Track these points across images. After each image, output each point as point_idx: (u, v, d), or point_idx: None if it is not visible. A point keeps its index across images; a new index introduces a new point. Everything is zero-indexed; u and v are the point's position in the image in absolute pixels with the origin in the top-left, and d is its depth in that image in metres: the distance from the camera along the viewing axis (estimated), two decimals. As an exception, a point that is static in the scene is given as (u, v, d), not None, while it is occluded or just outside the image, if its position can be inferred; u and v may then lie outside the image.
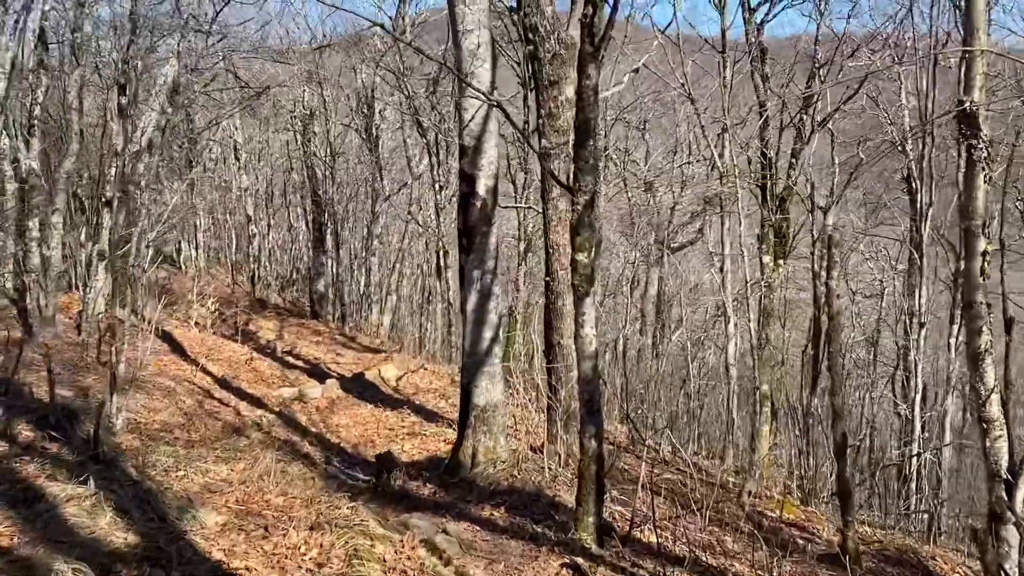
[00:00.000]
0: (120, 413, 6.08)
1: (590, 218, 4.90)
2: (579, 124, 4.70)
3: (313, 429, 9.24)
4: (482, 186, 5.98)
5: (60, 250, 8.25)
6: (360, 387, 11.46)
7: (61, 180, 8.10)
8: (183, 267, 24.85)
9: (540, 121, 7.69)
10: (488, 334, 6.27)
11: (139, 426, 6.54)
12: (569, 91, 7.61)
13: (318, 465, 7.40)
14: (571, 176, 5.02)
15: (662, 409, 15.61)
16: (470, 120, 5.82)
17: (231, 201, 26.30)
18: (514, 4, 8.70)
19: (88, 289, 9.34)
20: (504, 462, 6.25)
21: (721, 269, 13.31)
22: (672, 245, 24.22)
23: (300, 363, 13.08)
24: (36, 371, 7.62)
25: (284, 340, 15.86)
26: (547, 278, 8.02)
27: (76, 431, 5.30)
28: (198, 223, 25.04)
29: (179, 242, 25.82)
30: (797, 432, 12.70)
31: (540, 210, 8.72)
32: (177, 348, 11.56)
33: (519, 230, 17.43)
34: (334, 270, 20.13)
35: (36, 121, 8.32)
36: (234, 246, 26.06)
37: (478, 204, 5.98)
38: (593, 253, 4.85)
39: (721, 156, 14.49)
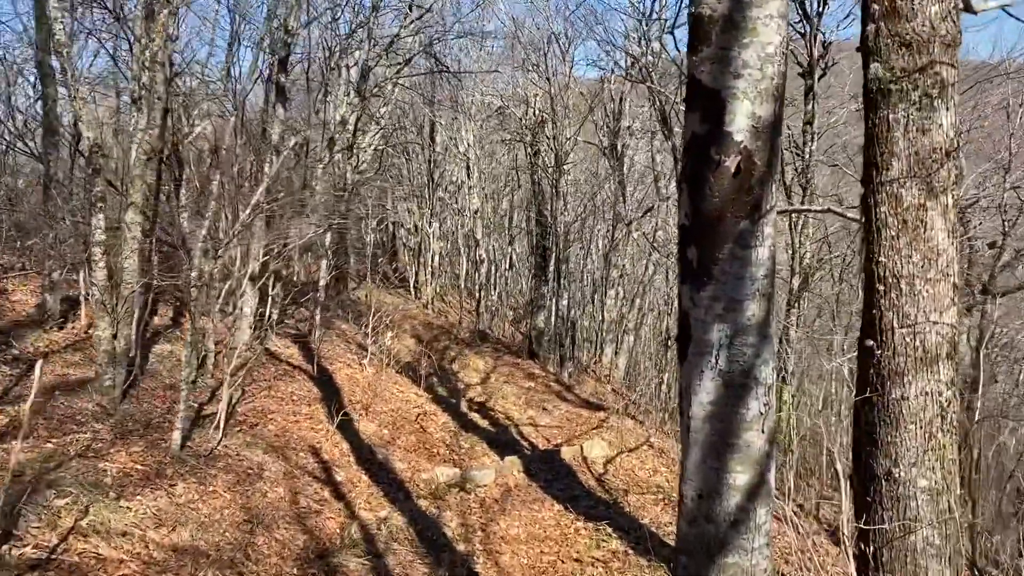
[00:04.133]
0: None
1: None
2: None
3: (459, 547, 6.04)
4: (739, 117, 2.37)
5: (136, 261, 6.01)
6: (552, 471, 8.12)
7: (138, 164, 5.90)
8: (416, 293, 23.62)
9: (871, 29, 3.85)
10: (741, 476, 2.62)
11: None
12: (936, -39, 3.71)
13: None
14: None
15: None
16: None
17: (465, 225, 24.87)
18: None
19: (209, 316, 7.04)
20: None
21: None
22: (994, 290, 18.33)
23: (486, 423, 10.06)
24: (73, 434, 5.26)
25: (487, 385, 13.08)
26: (867, 341, 4.08)
27: None
28: (433, 248, 23.69)
29: (416, 267, 24.74)
30: None
31: (852, 214, 4.82)
32: (332, 393, 9.07)
33: (790, 255, 13.03)
34: (558, 302, 17.12)
35: (142, 89, 6.21)
36: (464, 273, 24.36)
37: (728, 161, 2.37)
38: None
39: None
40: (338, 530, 5.56)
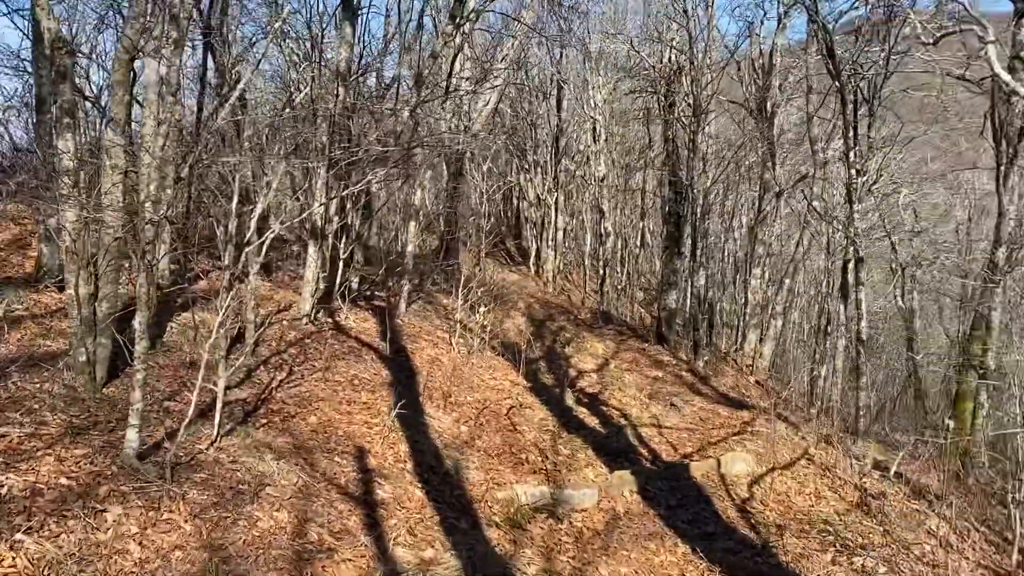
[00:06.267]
0: None
1: None
2: None
3: (532, 608, 4.17)
4: None
5: (120, 196, 4.48)
6: (677, 492, 6.08)
7: (119, 66, 4.38)
8: (537, 270, 21.91)
9: None
10: None
11: None
12: None
13: None
14: None
15: None
16: None
17: (589, 195, 22.89)
18: None
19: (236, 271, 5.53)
20: None
21: None
22: None
23: (595, 421, 8.11)
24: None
25: (604, 373, 11.09)
26: None
27: None
28: (556, 222, 21.85)
29: (538, 243, 23.02)
30: None
31: None
32: (405, 378, 7.42)
33: (996, 218, 10.09)
34: (693, 280, 14.78)
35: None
36: (588, 247, 22.36)
37: None
38: None
39: None
40: (349, 581, 3.83)
